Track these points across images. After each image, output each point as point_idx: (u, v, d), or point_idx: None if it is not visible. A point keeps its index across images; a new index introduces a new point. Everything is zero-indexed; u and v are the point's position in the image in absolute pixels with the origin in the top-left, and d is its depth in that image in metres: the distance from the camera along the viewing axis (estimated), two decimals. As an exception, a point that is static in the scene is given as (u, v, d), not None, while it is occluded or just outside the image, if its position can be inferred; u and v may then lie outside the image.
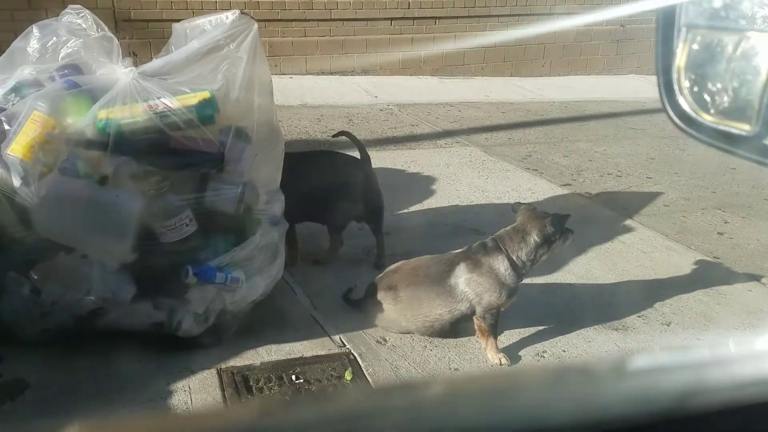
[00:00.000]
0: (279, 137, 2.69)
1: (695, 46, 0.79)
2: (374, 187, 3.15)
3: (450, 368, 2.46)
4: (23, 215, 2.18)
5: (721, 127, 0.79)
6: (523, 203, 2.70)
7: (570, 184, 4.63)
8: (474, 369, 2.46)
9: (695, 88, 0.80)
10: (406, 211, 3.94)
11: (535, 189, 4.47)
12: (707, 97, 0.79)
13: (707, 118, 0.80)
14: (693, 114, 0.81)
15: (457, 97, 7.11)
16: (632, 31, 8.65)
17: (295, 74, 7.23)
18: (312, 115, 5.91)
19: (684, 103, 0.81)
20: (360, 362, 2.44)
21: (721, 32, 0.77)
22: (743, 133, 0.77)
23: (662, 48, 0.81)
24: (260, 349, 2.46)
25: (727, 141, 0.79)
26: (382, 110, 6.38)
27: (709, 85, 0.79)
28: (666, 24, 0.79)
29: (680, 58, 0.80)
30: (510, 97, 7.36)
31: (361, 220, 3.21)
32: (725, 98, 0.78)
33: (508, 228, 2.55)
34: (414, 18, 7.66)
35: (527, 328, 2.74)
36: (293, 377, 2.33)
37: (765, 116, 0.73)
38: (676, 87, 0.81)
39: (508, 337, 2.67)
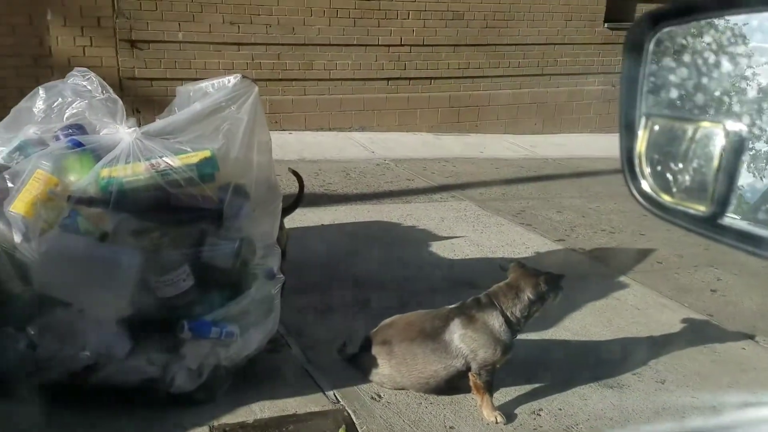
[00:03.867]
0: (277, 193, 2.75)
1: (655, 131, 0.86)
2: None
3: (445, 426, 2.45)
4: (22, 271, 2.21)
5: (680, 208, 0.86)
6: (513, 261, 2.75)
7: (564, 240, 4.69)
8: (469, 427, 2.45)
9: (658, 168, 0.86)
10: (401, 264, 3.97)
11: (529, 244, 4.52)
12: (668, 178, 0.85)
13: (668, 200, 0.87)
14: (655, 196, 0.87)
15: (452, 153, 7.24)
16: (623, 90, 8.85)
17: (295, 131, 7.38)
18: (310, 169, 6.00)
19: (647, 187, 0.88)
20: (354, 419, 2.43)
21: (679, 121, 0.84)
22: (700, 214, 0.83)
23: (625, 134, 0.87)
24: (253, 405, 2.45)
25: (686, 220, 0.85)
26: (378, 165, 6.49)
27: (671, 164, 0.85)
28: (628, 111, 0.86)
29: (641, 144, 0.87)
30: (504, 153, 7.50)
31: None
32: (684, 180, 0.84)
33: (501, 284, 2.58)
34: (410, 78, 7.89)
35: (523, 386, 2.73)
36: (286, 435, 2.31)
37: (719, 198, 0.79)
38: (638, 171, 0.88)
39: (504, 394, 2.66)
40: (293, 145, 6.83)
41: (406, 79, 7.88)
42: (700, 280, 4.09)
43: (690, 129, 0.82)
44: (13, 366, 2.24)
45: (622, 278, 4.02)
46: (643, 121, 0.85)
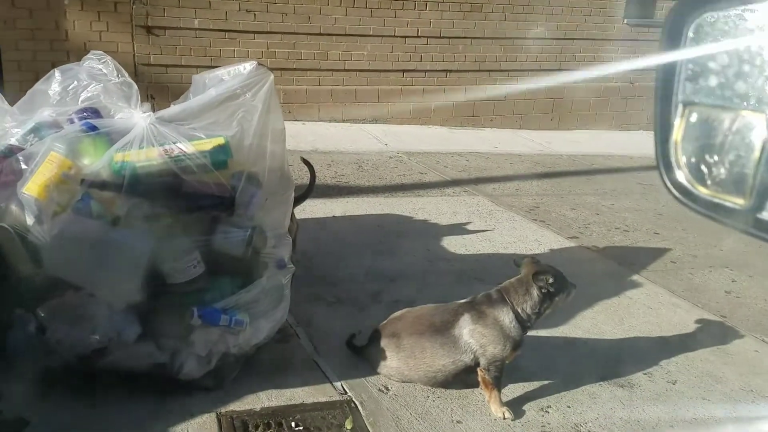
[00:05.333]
0: (289, 182, 2.73)
1: (692, 121, 0.82)
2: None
3: (453, 420, 2.44)
4: (34, 253, 2.22)
5: (716, 200, 0.82)
6: (527, 256, 2.72)
7: (577, 237, 4.65)
8: (477, 422, 2.43)
9: (693, 159, 0.83)
10: (412, 257, 3.95)
11: (542, 240, 4.49)
12: (704, 169, 0.82)
13: (704, 191, 0.83)
14: (690, 187, 0.84)
15: (466, 147, 7.20)
16: (641, 88, 8.79)
17: (308, 121, 7.37)
18: (323, 160, 5.99)
19: (681, 177, 0.84)
20: (361, 411, 2.42)
21: (717, 109, 0.80)
22: (737, 207, 0.79)
23: (660, 122, 0.84)
24: (261, 393, 2.45)
25: (723, 213, 0.81)
26: (391, 158, 6.47)
27: (707, 157, 0.82)
28: (664, 99, 0.83)
29: (677, 133, 0.83)
30: (518, 149, 7.45)
31: None
32: (721, 171, 0.80)
33: (512, 280, 2.56)
34: (425, 70, 7.85)
35: (531, 382, 2.71)
36: (293, 424, 2.31)
37: (759, 191, 0.75)
38: (673, 161, 0.84)
39: (512, 390, 2.64)
40: (306, 136, 6.82)
41: (421, 71, 7.84)
42: (714, 281, 4.04)
43: (730, 118, 0.79)
44: (22, 348, 2.25)
45: (635, 277, 3.98)
46: (680, 109, 0.82)
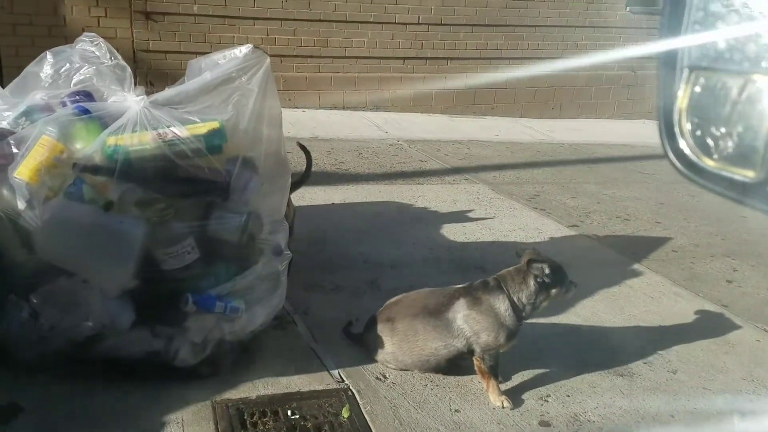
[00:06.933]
0: (286, 168, 2.69)
1: (698, 89, 0.77)
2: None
3: (451, 409, 2.41)
4: (26, 238, 2.18)
5: (725, 173, 0.77)
6: (528, 247, 2.68)
7: (577, 226, 4.61)
8: (475, 411, 2.41)
9: (698, 132, 0.78)
10: (411, 245, 3.92)
11: (543, 229, 4.45)
12: (710, 142, 0.77)
13: (710, 164, 0.78)
14: (695, 159, 0.79)
15: (467, 135, 7.15)
16: (643, 76, 8.73)
17: (308, 108, 7.32)
18: (323, 147, 5.95)
19: (685, 147, 0.80)
20: (358, 399, 2.40)
21: (725, 75, 0.75)
22: (747, 180, 0.74)
23: (663, 90, 0.79)
24: (257, 381, 2.42)
25: (731, 188, 0.77)
26: (391, 145, 6.42)
27: (713, 130, 0.77)
28: (668, 65, 0.78)
29: (682, 101, 0.78)
30: (519, 137, 7.40)
31: None
32: (729, 143, 0.76)
33: (511, 269, 2.53)
34: (426, 58, 7.78)
35: (531, 370, 2.68)
36: (289, 412, 2.28)
37: None
38: (677, 130, 0.79)
39: (512, 378, 2.62)
40: (306, 123, 6.77)
41: (422, 59, 7.78)
42: (716, 270, 4.01)
43: (740, 83, 0.74)
44: (15, 335, 2.22)
45: (636, 266, 3.95)
46: (685, 74, 0.77)
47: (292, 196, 3.00)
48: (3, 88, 2.54)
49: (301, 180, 3.44)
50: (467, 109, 8.08)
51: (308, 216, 3.91)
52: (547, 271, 2.44)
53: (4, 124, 2.31)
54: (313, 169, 3.58)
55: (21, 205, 2.15)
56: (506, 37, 8.05)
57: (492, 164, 6.13)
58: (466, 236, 4.18)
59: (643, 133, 8.04)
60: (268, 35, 7.04)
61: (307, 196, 4.32)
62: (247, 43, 7.04)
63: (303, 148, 3.52)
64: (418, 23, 7.63)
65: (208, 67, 2.52)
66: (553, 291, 2.48)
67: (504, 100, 8.25)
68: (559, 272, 2.49)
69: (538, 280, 2.44)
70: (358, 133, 6.77)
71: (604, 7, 8.42)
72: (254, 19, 6.97)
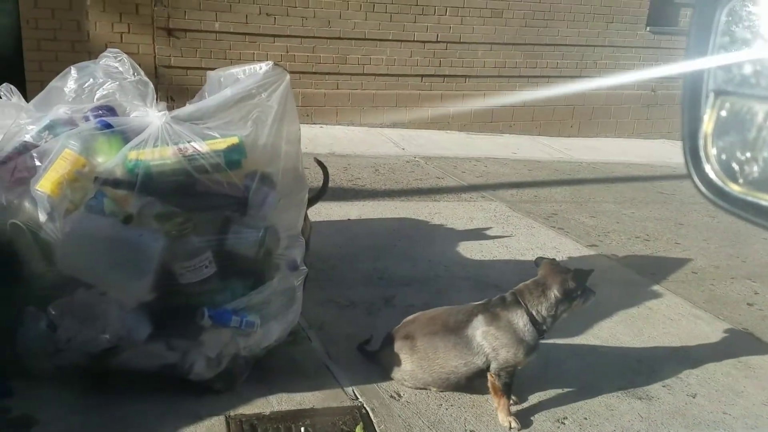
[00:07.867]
0: (303, 184, 2.70)
1: (723, 113, 0.77)
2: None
3: (465, 430, 2.38)
4: (46, 250, 2.21)
5: (750, 198, 0.76)
6: (546, 257, 2.65)
7: (596, 245, 4.57)
8: (490, 432, 2.38)
9: (723, 156, 0.78)
10: (427, 262, 3.91)
11: (561, 248, 4.41)
12: (736, 167, 0.76)
13: (735, 189, 0.77)
14: (720, 183, 0.78)
15: (484, 152, 7.14)
16: (663, 96, 8.68)
17: (326, 125, 7.37)
18: (339, 163, 5.97)
19: (711, 172, 0.79)
20: (372, 417, 2.38)
21: (751, 99, 0.74)
22: None
23: (689, 113, 0.79)
24: (271, 397, 2.42)
25: (756, 213, 0.76)
26: (408, 162, 6.43)
27: (738, 154, 0.76)
28: (693, 89, 0.77)
29: (707, 125, 0.78)
30: (537, 155, 7.37)
31: None
32: (755, 168, 0.75)
33: (528, 282, 2.50)
34: (444, 75, 7.81)
35: (548, 391, 2.65)
36: (302, 429, 2.27)
37: None
38: (702, 154, 0.79)
39: (529, 399, 2.59)
40: (323, 139, 6.81)
41: (440, 76, 7.80)
42: (736, 292, 3.94)
43: (766, 108, 0.73)
44: (33, 346, 2.24)
45: (656, 287, 3.90)
46: (710, 98, 0.77)
47: (309, 211, 3.01)
48: (27, 102, 2.58)
49: (318, 195, 3.45)
50: (485, 127, 8.08)
51: (324, 231, 3.92)
52: (571, 284, 2.40)
53: (28, 138, 2.35)
54: (329, 184, 3.60)
55: (42, 217, 2.17)
56: (525, 55, 8.05)
57: (509, 182, 6.11)
58: (483, 254, 4.15)
59: (663, 152, 7.98)
60: (287, 52, 7.11)
61: (324, 212, 4.33)
62: (267, 59, 7.09)
63: (320, 164, 3.53)
64: (437, 41, 7.67)
65: (228, 80, 2.54)
66: (575, 302, 2.45)
67: (522, 118, 8.24)
68: (580, 280, 2.44)
69: (559, 294, 2.40)
70: (375, 149, 6.79)
71: (623, 27, 8.41)
72: (275, 36, 7.05)
